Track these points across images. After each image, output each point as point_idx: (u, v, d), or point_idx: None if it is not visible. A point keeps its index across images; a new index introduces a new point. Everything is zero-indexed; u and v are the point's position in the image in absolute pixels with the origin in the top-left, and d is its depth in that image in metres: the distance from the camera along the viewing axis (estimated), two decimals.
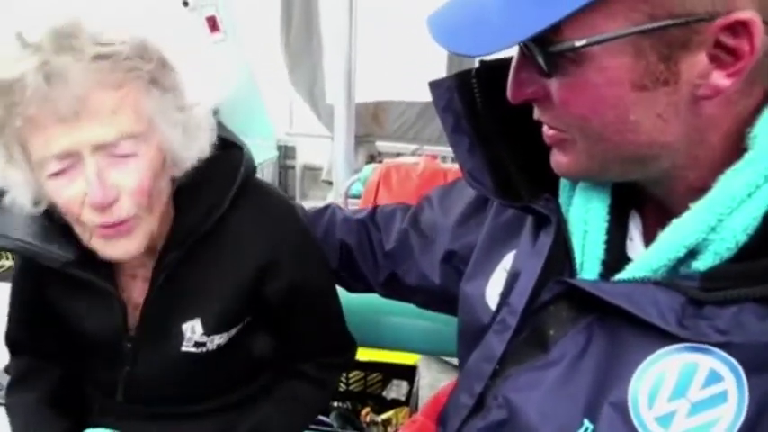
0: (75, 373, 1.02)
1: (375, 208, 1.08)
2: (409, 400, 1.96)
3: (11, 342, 1.02)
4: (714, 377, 0.56)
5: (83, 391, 1.02)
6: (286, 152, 4.26)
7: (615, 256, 0.67)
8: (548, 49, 0.55)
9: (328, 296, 1.03)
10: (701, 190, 0.59)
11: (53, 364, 1.02)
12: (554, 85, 0.59)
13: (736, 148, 0.58)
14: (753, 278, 0.56)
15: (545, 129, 0.64)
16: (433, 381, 1.81)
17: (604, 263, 0.67)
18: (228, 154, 0.90)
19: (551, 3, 0.52)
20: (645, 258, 0.62)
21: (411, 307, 1.07)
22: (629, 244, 0.68)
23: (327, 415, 1.87)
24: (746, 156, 0.57)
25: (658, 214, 0.65)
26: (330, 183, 3.61)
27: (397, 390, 2.01)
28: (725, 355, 0.56)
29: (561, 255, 0.69)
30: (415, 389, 1.95)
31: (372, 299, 1.10)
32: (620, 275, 0.63)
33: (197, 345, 0.91)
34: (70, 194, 0.77)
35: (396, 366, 2.00)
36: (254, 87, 3.64)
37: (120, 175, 0.77)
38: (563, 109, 0.59)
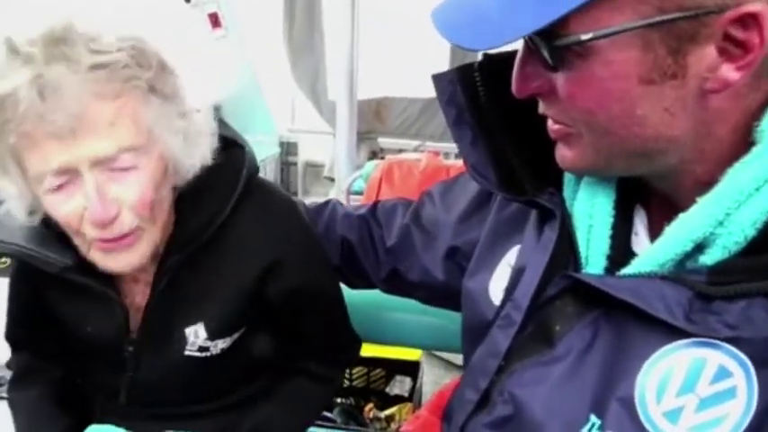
0: (77, 375, 1.01)
1: (376, 203, 1.07)
2: (412, 396, 1.96)
3: (11, 339, 1.01)
4: (723, 373, 0.56)
5: (85, 389, 1.02)
6: (288, 148, 4.26)
7: (620, 251, 0.67)
8: (554, 43, 0.55)
9: (332, 295, 1.02)
10: (707, 184, 0.58)
11: (54, 364, 1.01)
12: (560, 78, 0.58)
13: (744, 141, 0.57)
14: (762, 272, 0.55)
15: (550, 123, 0.64)
16: (436, 378, 1.81)
17: (609, 257, 0.67)
18: (230, 155, 0.88)
19: None
20: (651, 253, 0.61)
21: (414, 303, 1.06)
22: (634, 239, 0.68)
23: (330, 411, 1.87)
24: (754, 149, 0.56)
25: (664, 209, 0.64)
26: (332, 179, 3.61)
27: (400, 386, 2.01)
28: (734, 350, 0.56)
29: (566, 249, 0.69)
30: (418, 385, 1.95)
31: (375, 295, 1.09)
32: (626, 270, 0.63)
33: (201, 349, 0.90)
34: (69, 209, 0.75)
35: (399, 362, 2.01)
36: (255, 84, 3.64)
37: (120, 188, 0.75)
38: (569, 103, 0.59)
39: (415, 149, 3.62)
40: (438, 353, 1.81)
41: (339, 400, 1.97)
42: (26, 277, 0.93)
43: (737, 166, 0.57)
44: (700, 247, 0.59)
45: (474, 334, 0.78)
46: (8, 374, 1.03)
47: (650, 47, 0.53)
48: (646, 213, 0.68)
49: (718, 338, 0.56)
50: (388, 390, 2.02)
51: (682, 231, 0.58)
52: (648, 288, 0.59)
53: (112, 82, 0.71)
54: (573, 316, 0.65)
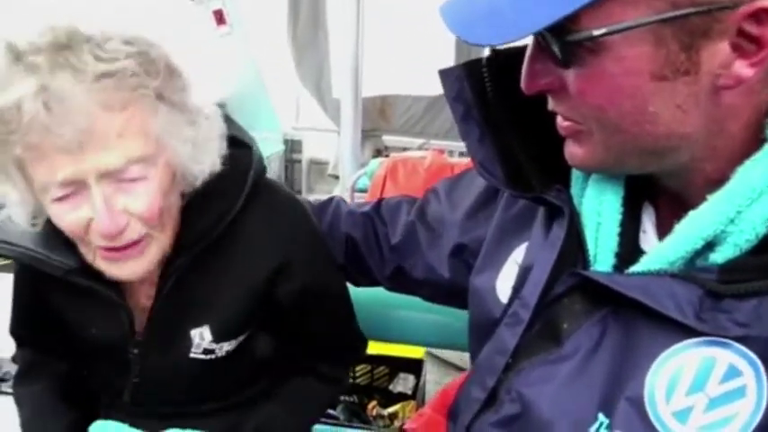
0: (81, 375, 1.01)
1: (380, 201, 1.07)
2: (416, 394, 1.96)
3: (15, 334, 1.01)
4: (733, 372, 0.56)
5: (90, 384, 1.01)
6: (292, 146, 4.26)
7: (628, 249, 0.66)
8: (565, 39, 0.54)
9: (340, 295, 1.01)
10: (718, 181, 0.58)
11: (59, 360, 1.01)
12: (570, 75, 0.57)
13: (755, 138, 0.57)
14: None
15: (559, 120, 0.63)
16: (439, 377, 1.81)
17: (618, 255, 0.66)
18: (237, 155, 0.86)
19: None
20: (661, 251, 0.61)
21: (418, 300, 1.06)
22: (642, 236, 0.67)
23: (334, 408, 1.87)
24: (766, 146, 0.56)
25: (673, 206, 0.64)
26: (336, 177, 3.60)
27: (403, 383, 2.01)
28: (744, 349, 0.55)
29: (574, 247, 0.68)
30: (421, 383, 1.95)
31: (380, 292, 1.09)
32: (635, 268, 0.62)
33: (206, 351, 0.90)
34: (75, 219, 0.74)
35: (402, 360, 2.00)
36: (260, 81, 3.64)
37: (128, 199, 0.74)
38: (579, 100, 0.58)
39: (420, 147, 3.61)
40: (439, 354, 1.81)
41: (342, 397, 1.97)
42: (29, 278, 0.92)
43: (749, 163, 0.56)
44: (710, 245, 0.58)
45: (481, 332, 0.78)
46: (13, 370, 1.03)
47: (662, 42, 0.52)
48: (654, 210, 0.68)
49: (728, 337, 0.56)
50: (391, 387, 2.02)
51: (692, 229, 0.58)
52: (658, 286, 0.58)
53: (120, 91, 0.70)
54: (581, 314, 0.64)
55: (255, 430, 0.96)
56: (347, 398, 1.97)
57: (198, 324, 0.88)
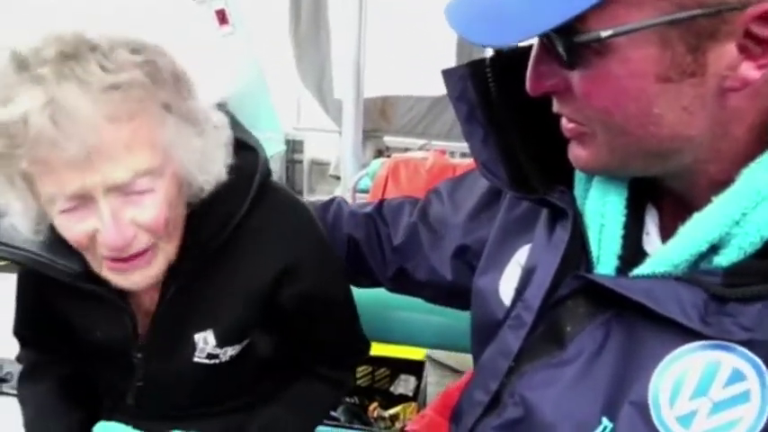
0: (85, 376, 1.00)
1: (382, 201, 1.06)
2: (417, 396, 1.95)
3: (19, 335, 1.01)
4: (737, 376, 0.55)
5: (94, 387, 1.01)
6: (294, 146, 4.27)
7: (632, 251, 0.66)
8: (571, 40, 0.54)
9: (344, 300, 1.01)
10: (722, 183, 0.58)
11: (63, 362, 1.00)
12: (575, 77, 0.57)
13: (760, 141, 0.57)
14: None
15: (564, 122, 0.63)
16: (440, 379, 1.80)
17: (621, 257, 0.66)
18: (243, 159, 0.86)
19: None
20: (665, 253, 0.60)
21: (420, 302, 1.06)
22: (645, 238, 0.67)
23: (335, 409, 1.86)
24: None
25: (677, 208, 0.63)
26: (338, 177, 3.60)
27: (404, 385, 2.01)
28: (748, 353, 0.55)
29: (577, 249, 0.68)
30: (422, 384, 1.94)
31: (381, 293, 1.09)
32: (639, 270, 0.62)
33: (209, 356, 0.89)
34: (81, 231, 0.73)
35: (403, 361, 2.00)
36: (262, 80, 3.64)
37: (136, 211, 0.73)
38: (584, 102, 0.58)
39: (421, 148, 3.61)
40: (438, 358, 1.81)
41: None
42: (33, 281, 0.91)
43: (754, 165, 0.56)
44: (714, 248, 0.58)
45: (483, 333, 0.78)
46: (14, 370, 1.03)
47: (669, 44, 0.52)
48: (657, 212, 0.67)
49: (733, 341, 0.55)
50: (392, 389, 2.02)
51: (697, 232, 0.58)
52: (663, 289, 0.58)
53: (127, 102, 0.69)
54: (584, 317, 0.64)
55: (260, 430, 0.96)
56: (348, 399, 1.97)
57: (202, 329, 0.88)
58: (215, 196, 0.82)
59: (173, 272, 0.83)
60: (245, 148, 0.87)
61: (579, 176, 0.71)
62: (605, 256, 0.66)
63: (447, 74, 0.75)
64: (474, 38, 0.55)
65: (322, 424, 1.07)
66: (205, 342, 0.88)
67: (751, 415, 0.55)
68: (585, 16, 0.52)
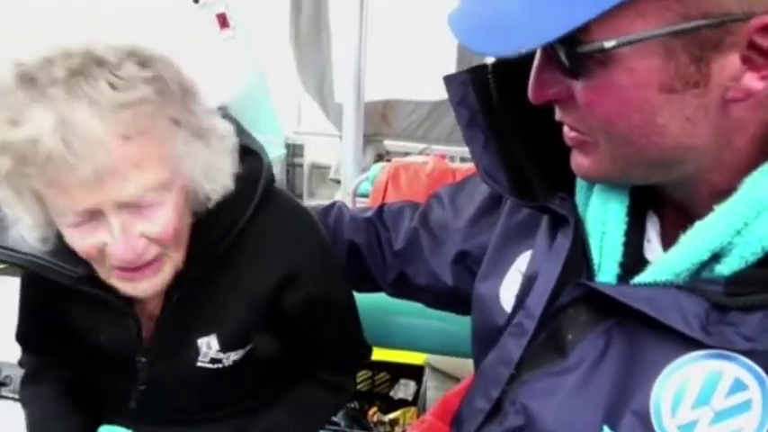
0: (87, 379, 1.00)
1: (382, 206, 1.06)
2: (417, 401, 1.95)
3: (21, 340, 1.01)
4: (738, 385, 0.55)
5: (97, 391, 1.01)
6: (294, 150, 4.26)
7: (633, 258, 0.66)
8: (574, 50, 0.54)
9: (347, 306, 1.01)
10: (724, 192, 0.58)
11: (65, 366, 1.00)
12: (578, 86, 0.57)
13: (762, 151, 0.57)
14: None
15: (566, 130, 0.63)
16: (440, 384, 1.80)
17: (622, 265, 0.66)
18: (247, 165, 0.86)
19: (580, 1, 0.50)
20: (667, 262, 0.60)
21: (420, 306, 1.06)
22: (646, 245, 0.67)
23: (335, 414, 1.86)
24: None
25: (678, 216, 0.64)
26: (338, 181, 3.60)
27: (404, 390, 2.00)
28: (749, 362, 0.55)
29: (579, 257, 0.68)
30: (422, 389, 1.94)
31: (381, 298, 1.09)
32: (640, 278, 0.62)
33: (213, 361, 0.90)
34: (91, 243, 0.74)
35: (403, 366, 1.99)
36: (263, 84, 3.64)
37: (145, 224, 0.74)
38: (587, 111, 0.58)
39: (422, 152, 3.61)
40: (438, 366, 1.81)
41: None
42: (36, 284, 0.91)
43: (756, 174, 0.56)
44: (716, 257, 0.58)
45: (484, 339, 0.78)
46: (13, 374, 1.03)
47: (672, 55, 0.52)
48: (659, 220, 0.67)
49: (734, 350, 0.55)
50: (392, 393, 2.01)
51: (699, 240, 0.58)
52: (664, 298, 0.58)
53: (137, 120, 0.69)
54: (586, 325, 0.64)
55: None
56: (348, 404, 1.96)
57: (205, 333, 0.88)
58: (221, 204, 0.83)
59: (178, 278, 0.84)
60: (249, 153, 0.88)
61: (581, 183, 0.71)
62: (606, 263, 0.66)
63: (448, 80, 0.75)
64: (477, 47, 0.56)
65: (323, 428, 1.07)
66: (208, 347, 0.89)
67: (752, 424, 0.55)
68: (589, 26, 0.52)
